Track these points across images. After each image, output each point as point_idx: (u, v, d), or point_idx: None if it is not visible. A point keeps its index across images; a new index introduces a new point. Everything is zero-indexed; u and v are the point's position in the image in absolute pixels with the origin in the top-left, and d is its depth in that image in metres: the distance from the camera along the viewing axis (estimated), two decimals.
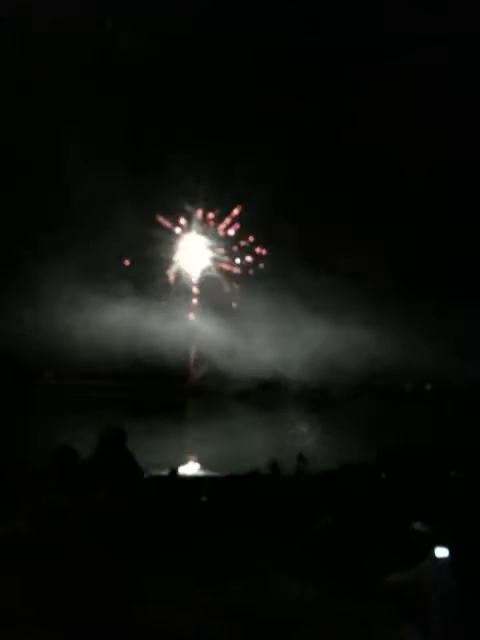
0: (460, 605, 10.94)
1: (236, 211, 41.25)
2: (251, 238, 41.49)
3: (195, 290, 41.88)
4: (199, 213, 40.99)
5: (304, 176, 37.38)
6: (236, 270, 42.75)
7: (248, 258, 41.71)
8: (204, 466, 30.00)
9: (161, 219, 40.73)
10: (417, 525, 12.50)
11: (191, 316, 41.70)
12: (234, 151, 36.68)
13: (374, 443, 28.72)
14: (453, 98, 33.30)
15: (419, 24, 33.40)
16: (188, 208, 41.13)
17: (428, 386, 35.72)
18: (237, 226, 41.52)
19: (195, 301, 42.18)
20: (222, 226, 41.77)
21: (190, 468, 30.29)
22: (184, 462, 30.41)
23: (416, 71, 34.27)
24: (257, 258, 41.11)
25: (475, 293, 35.38)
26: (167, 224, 40.87)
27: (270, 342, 39.88)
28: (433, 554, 11.43)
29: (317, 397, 40.49)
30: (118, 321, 38.91)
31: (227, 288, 41.90)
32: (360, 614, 13.12)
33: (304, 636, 13.20)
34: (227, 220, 41.42)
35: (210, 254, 42.46)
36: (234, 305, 41.74)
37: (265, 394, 43.29)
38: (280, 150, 36.60)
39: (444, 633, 10.72)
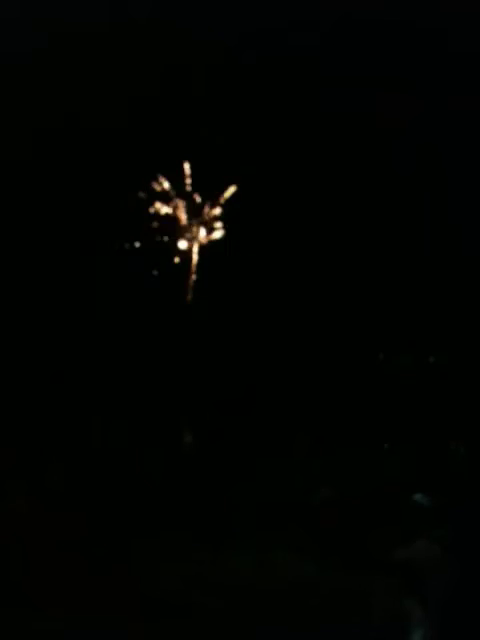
0: (460, 579, 10.93)
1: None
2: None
3: None
4: None
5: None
6: None
7: None
8: None
9: None
10: (418, 496, 12.40)
11: None
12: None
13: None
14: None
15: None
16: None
17: (431, 359, 35.62)
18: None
19: None
20: None
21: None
22: None
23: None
24: None
25: None
26: None
27: None
28: (433, 527, 11.37)
29: None
30: None
31: None
32: (359, 588, 13.17)
33: (304, 610, 13.27)
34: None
35: None
36: None
37: None
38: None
39: (443, 607, 10.72)
